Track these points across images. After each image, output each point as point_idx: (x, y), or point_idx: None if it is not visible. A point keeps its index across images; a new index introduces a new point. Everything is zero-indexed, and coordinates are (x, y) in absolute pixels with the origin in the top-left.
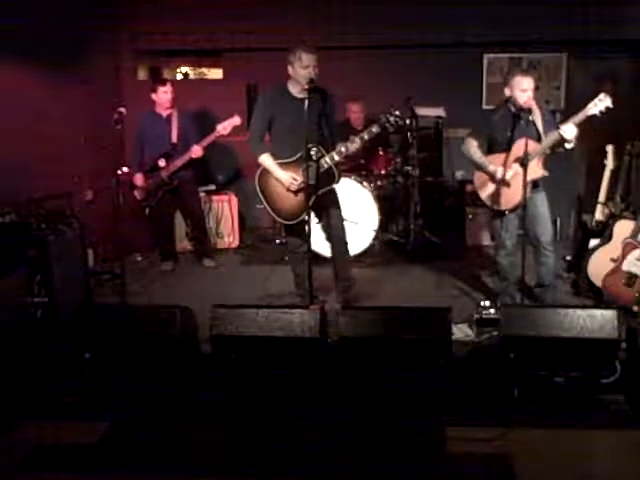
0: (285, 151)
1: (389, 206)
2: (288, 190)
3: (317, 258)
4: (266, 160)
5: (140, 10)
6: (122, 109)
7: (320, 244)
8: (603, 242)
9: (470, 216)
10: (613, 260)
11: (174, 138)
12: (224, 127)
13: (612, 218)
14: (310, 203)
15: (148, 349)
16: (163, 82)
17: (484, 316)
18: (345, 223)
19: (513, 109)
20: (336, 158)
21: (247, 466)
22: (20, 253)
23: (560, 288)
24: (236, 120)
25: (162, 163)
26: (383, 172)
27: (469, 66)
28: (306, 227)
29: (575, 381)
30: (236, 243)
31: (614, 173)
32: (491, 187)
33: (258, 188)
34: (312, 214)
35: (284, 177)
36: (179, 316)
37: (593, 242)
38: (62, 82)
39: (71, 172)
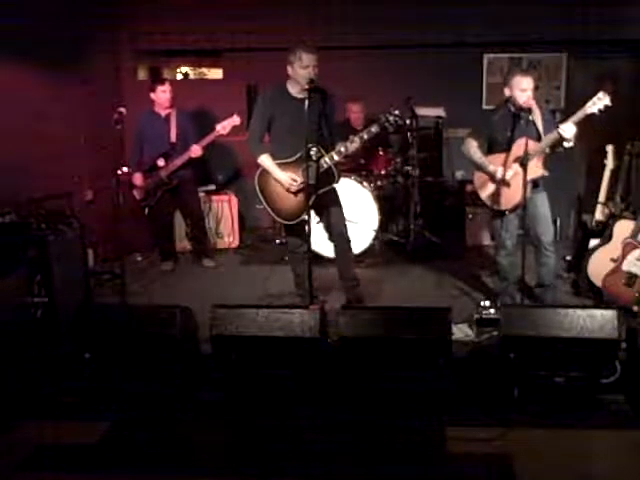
0: (285, 151)
1: (389, 206)
2: (288, 191)
3: (317, 258)
4: (266, 161)
5: (140, 10)
6: (122, 109)
7: (320, 244)
8: (603, 242)
9: (470, 216)
10: (613, 260)
11: (173, 138)
12: (223, 127)
13: (612, 218)
14: (310, 203)
15: (148, 349)
16: (162, 81)
17: (484, 316)
18: (346, 222)
19: (513, 109)
20: (336, 158)
21: (247, 466)
22: (20, 253)
23: (560, 288)
24: (236, 120)
25: (161, 163)
26: (383, 172)
27: (469, 66)
28: (306, 227)
29: (575, 381)
30: (236, 243)
31: (614, 173)
32: (491, 187)
33: (258, 188)
34: (312, 214)
35: (283, 178)
36: (179, 316)
37: (593, 242)
38: (62, 82)
39: (71, 172)
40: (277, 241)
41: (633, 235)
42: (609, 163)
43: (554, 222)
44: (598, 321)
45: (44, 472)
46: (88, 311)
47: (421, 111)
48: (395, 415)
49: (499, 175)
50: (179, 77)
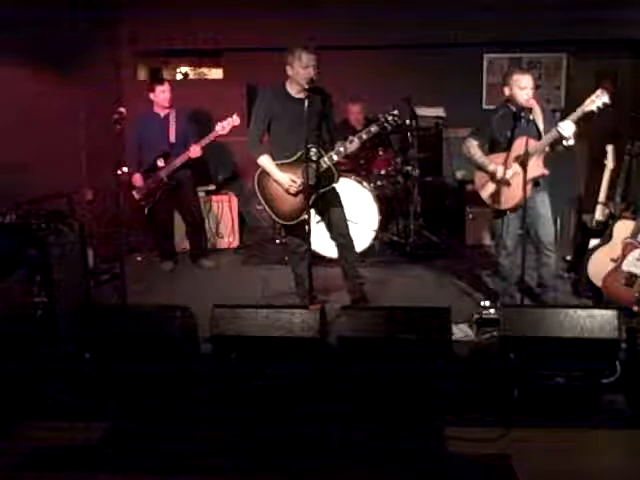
0: (284, 152)
1: (389, 206)
2: (287, 192)
3: (317, 258)
4: (265, 162)
5: (140, 10)
6: (122, 109)
7: (320, 244)
8: (603, 242)
9: (470, 216)
10: (613, 260)
11: (172, 138)
12: (223, 127)
13: (612, 218)
14: (310, 203)
15: (148, 349)
16: (161, 82)
17: (484, 316)
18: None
19: (514, 109)
20: (335, 158)
21: (247, 466)
22: (20, 253)
23: (560, 288)
24: (235, 120)
25: (161, 163)
26: (383, 172)
27: (469, 66)
28: (306, 227)
29: (575, 381)
30: (236, 243)
31: (614, 173)
32: (492, 187)
33: (257, 189)
34: (312, 214)
35: (283, 179)
36: (179, 316)
37: (593, 242)
38: (62, 82)
39: (71, 172)
40: (277, 241)
41: (633, 235)
42: (609, 163)
43: (554, 222)
44: (598, 321)
45: (44, 472)
46: (88, 311)
47: (421, 111)
48: (395, 415)
49: (499, 174)
50: (179, 77)
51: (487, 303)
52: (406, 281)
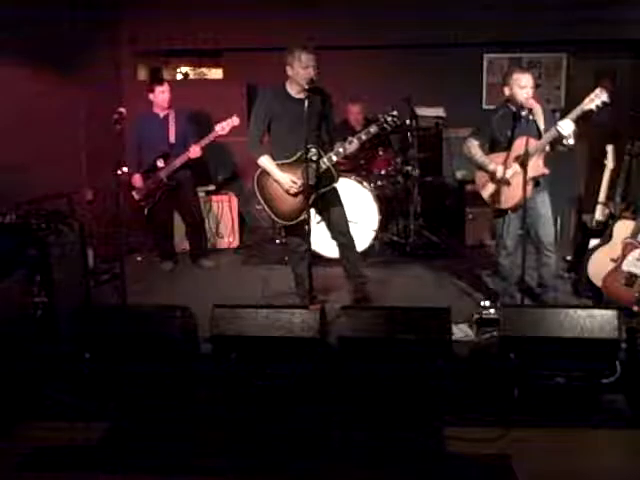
0: (284, 152)
1: (389, 206)
2: (287, 193)
3: (317, 258)
4: (265, 162)
5: (140, 10)
6: (122, 109)
7: (320, 244)
8: (603, 242)
9: (470, 216)
10: (613, 260)
11: (172, 138)
12: (222, 127)
13: (612, 218)
14: (310, 202)
15: (148, 349)
16: (161, 82)
17: (484, 316)
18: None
19: (514, 108)
20: (334, 159)
21: (247, 466)
22: (20, 253)
23: (560, 288)
24: (235, 121)
25: (160, 163)
26: (383, 172)
27: (469, 66)
28: (306, 226)
29: (575, 381)
30: (236, 243)
31: (614, 173)
32: (492, 186)
33: (257, 189)
34: (313, 214)
35: (283, 180)
36: (179, 316)
37: (593, 242)
38: (62, 82)
39: (71, 172)
40: (277, 241)
41: (633, 235)
42: (609, 163)
43: (554, 222)
44: (598, 321)
45: (44, 472)
46: (88, 311)
47: (421, 111)
48: (395, 415)
49: (499, 174)
50: (179, 77)
51: (487, 303)
52: (406, 281)
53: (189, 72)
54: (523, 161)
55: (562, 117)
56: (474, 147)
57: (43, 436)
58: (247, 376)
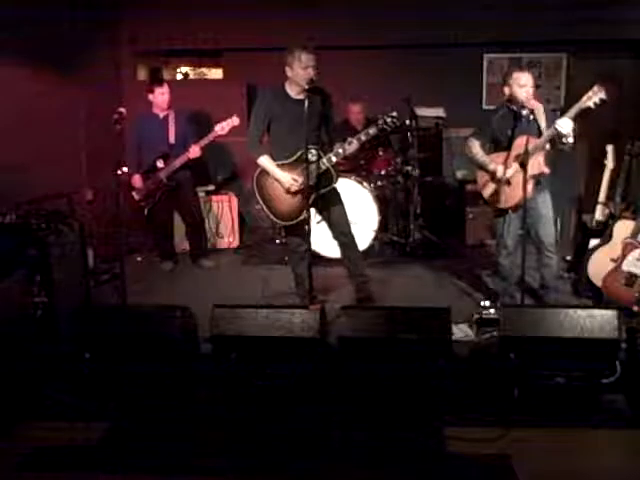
0: (283, 152)
1: (389, 206)
2: (287, 192)
3: (317, 258)
4: (265, 162)
5: (140, 10)
6: (122, 109)
7: (320, 244)
8: (603, 242)
9: (470, 216)
10: (613, 260)
11: (172, 139)
12: (222, 127)
13: (612, 218)
14: (310, 202)
15: (148, 349)
16: (160, 83)
17: (484, 316)
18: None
19: (514, 108)
20: (333, 159)
21: (247, 466)
22: (20, 253)
23: (562, 289)
24: (235, 121)
25: (160, 164)
26: (383, 172)
27: (469, 66)
28: (306, 226)
29: (575, 381)
30: (236, 243)
31: (614, 173)
32: (493, 186)
33: (256, 189)
34: (313, 214)
35: (285, 178)
36: (179, 316)
37: (593, 242)
38: (62, 82)
39: (71, 172)
40: (277, 241)
41: (633, 235)
42: (609, 163)
43: (554, 222)
44: (598, 321)
45: (44, 472)
46: (88, 311)
47: (421, 111)
48: (395, 415)
49: (499, 174)
50: (179, 77)
51: (487, 303)
52: (406, 281)
53: (189, 72)
54: (523, 160)
55: (561, 115)
56: (475, 147)
57: (43, 436)
58: (247, 376)
